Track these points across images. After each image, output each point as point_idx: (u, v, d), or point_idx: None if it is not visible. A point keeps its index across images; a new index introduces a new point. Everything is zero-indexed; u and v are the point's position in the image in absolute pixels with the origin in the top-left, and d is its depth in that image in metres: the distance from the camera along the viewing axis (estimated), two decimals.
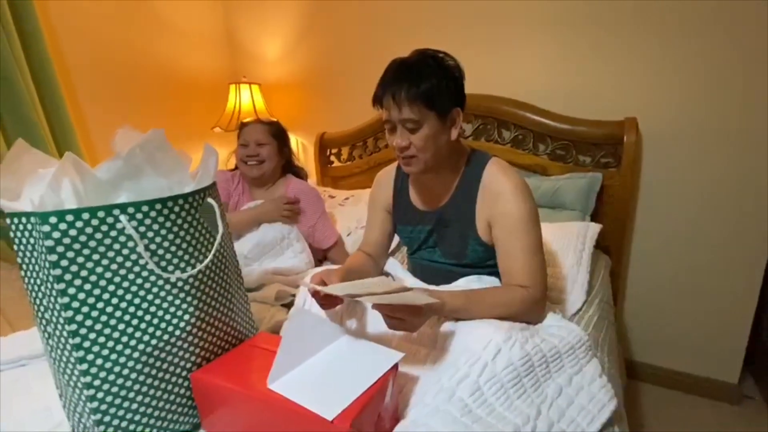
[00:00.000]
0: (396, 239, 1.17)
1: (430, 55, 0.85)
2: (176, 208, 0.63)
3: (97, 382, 0.57)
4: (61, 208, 0.54)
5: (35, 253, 0.57)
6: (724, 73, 1.33)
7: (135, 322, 0.59)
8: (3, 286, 1.55)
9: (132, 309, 0.59)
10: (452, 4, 1.69)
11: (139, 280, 0.60)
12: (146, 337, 0.60)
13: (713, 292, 1.49)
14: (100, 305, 0.56)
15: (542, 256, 0.86)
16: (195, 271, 0.64)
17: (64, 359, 0.57)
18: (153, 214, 0.60)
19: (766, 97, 1.29)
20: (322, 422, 0.53)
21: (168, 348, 0.63)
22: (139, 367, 0.60)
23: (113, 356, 0.58)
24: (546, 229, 1.00)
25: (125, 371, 0.59)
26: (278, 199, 1.38)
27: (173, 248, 0.62)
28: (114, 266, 0.57)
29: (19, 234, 0.57)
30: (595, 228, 1.35)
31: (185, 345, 0.65)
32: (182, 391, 0.66)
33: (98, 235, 0.56)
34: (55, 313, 0.56)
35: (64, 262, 0.54)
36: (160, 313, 0.62)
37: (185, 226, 0.64)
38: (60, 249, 0.53)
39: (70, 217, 0.53)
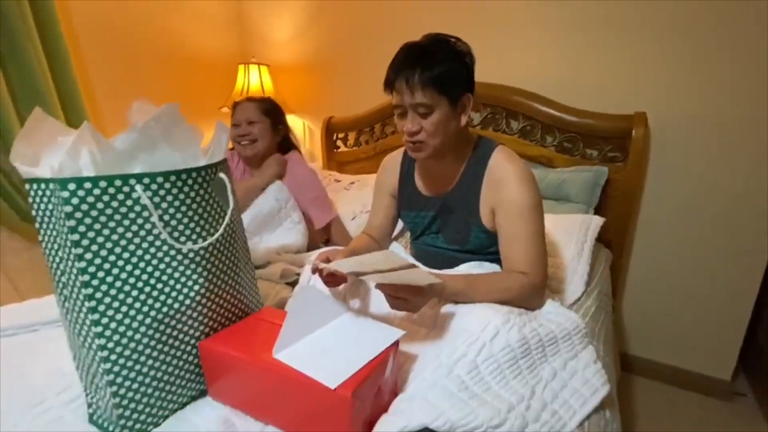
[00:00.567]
0: (400, 224, 1.18)
1: (442, 40, 0.85)
2: (189, 181, 0.64)
3: (110, 345, 0.59)
4: (79, 176, 0.56)
5: (53, 219, 0.58)
6: (735, 70, 1.32)
7: (147, 289, 0.62)
8: (11, 257, 1.58)
9: (145, 276, 0.61)
10: None
11: (153, 249, 0.62)
12: (157, 305, 0.63)
13: (712, 291, 1.51)
14: (115, 271, 0.59)
15: (544, 244, 0.87)
16: (206, 243, 0.66)
17: (80, 321, 0.60)
18: (167, 185, 0.62)
19: None
20: (325, 390, 0.55)
21: (178, 316, 0.65)
22: (150, 332, 0.62)
23: (126, 320, 0.60)
24: (549, 220, 1.01)
25: (137, 336, 0.61)
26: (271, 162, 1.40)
27: (185, 220, 0.64)
28: (129, 234, 0.59)
29: (38, 199, 0.59)
30: (597, 221, 1.36)
31: (194, 314, 0.67)
32: (190, 358, 0.68)
33: (114, 204, 0.58)
34: (72, 277, 0.58)
35: (81, 228, 0.56)
36: (171, 282, 0.64)
37: (198, 199, 0.66)
38: (78, 215, 0.55)
39: (88, 185, 0.55)
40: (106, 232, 0.57)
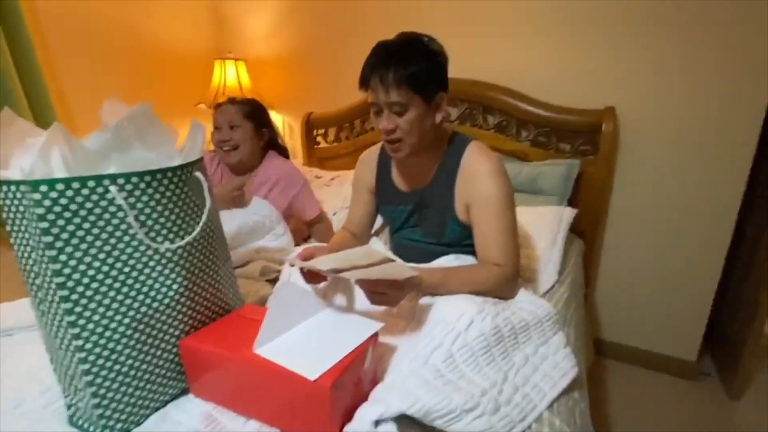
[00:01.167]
0: (379, 219, 1.20)
1: (416, 38, 0.86)
2: (165, 181, 0.64)
3: (88, 345, 0.59)
4: (51, 177, 0.55)
5: (24, 222, 0.58)
6: (701, 68, 1.38)
7: (125, 289, 0.62)
8: None
9: (122, 277, 0.61)
10: None
11: (129, 250, 0.62)
12: (135, 304, 0.63)
13: (678, 277, 1.59)
14: (90, 272, 0.58)
15: (516, 236, 0.90)
16: (183, 242, 0.67)
17: (56, 323, 0.59)
18: (142, 185, 0.62)
19: (742, 92, 1.34)
20: (306, 382, 0.57)
21: (157, 316, 0.65)
22: (129, 332, 0.62)
23: (104, 321, 0.60)
24: (524, 212, 1.05)
25: (116, 336, 0.61)
26: (227, 188, 1.30)
27: (162, 219, 0.64)
28: (104, 235, 0.59)
29: (8, 202, 0.58)
30: (570, 213, 1.41)
31: (174, 313, 0.68)
32: (171, 357, 0.69)
33: (88, 205, 0.57)
34: (47, 279, 0.58)
35: (54, 230, 0.55)
36: (149, 282, 0.64)
37: (174, 198, 0.66)
38: (50, 217, 0.55)
39: (60, 186, 0.55)
40: (80, 233, 0.57)
